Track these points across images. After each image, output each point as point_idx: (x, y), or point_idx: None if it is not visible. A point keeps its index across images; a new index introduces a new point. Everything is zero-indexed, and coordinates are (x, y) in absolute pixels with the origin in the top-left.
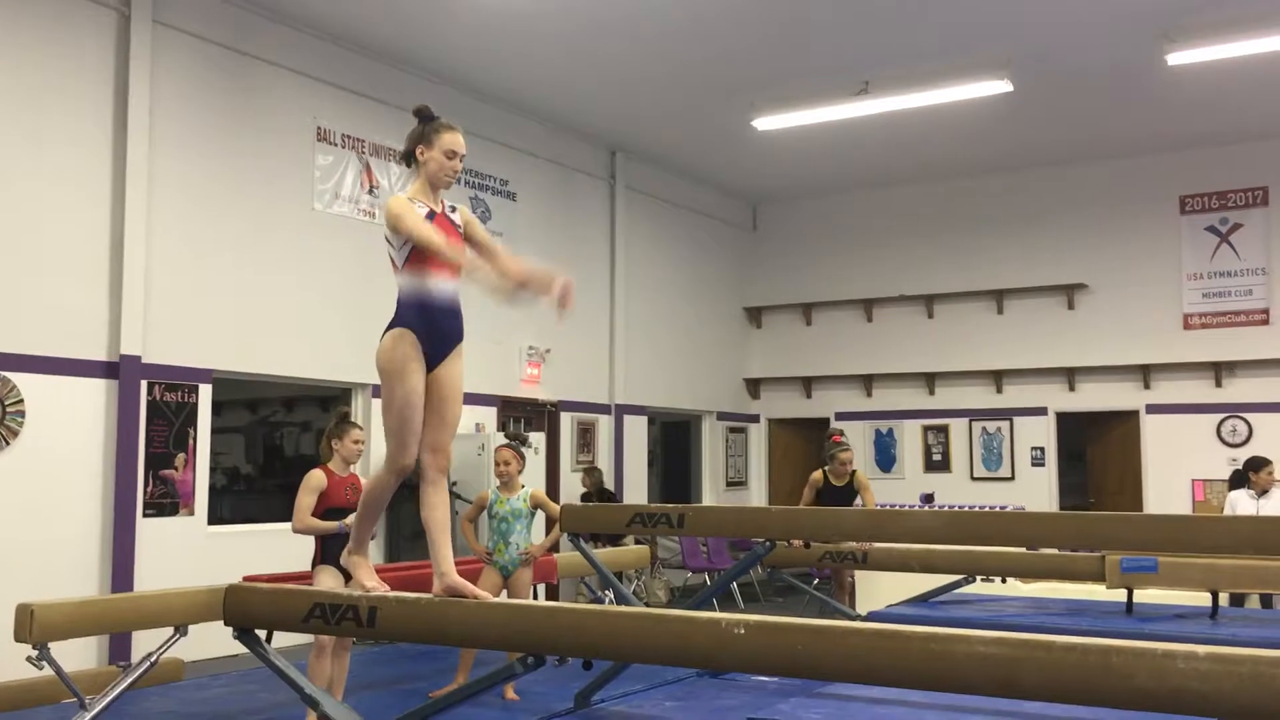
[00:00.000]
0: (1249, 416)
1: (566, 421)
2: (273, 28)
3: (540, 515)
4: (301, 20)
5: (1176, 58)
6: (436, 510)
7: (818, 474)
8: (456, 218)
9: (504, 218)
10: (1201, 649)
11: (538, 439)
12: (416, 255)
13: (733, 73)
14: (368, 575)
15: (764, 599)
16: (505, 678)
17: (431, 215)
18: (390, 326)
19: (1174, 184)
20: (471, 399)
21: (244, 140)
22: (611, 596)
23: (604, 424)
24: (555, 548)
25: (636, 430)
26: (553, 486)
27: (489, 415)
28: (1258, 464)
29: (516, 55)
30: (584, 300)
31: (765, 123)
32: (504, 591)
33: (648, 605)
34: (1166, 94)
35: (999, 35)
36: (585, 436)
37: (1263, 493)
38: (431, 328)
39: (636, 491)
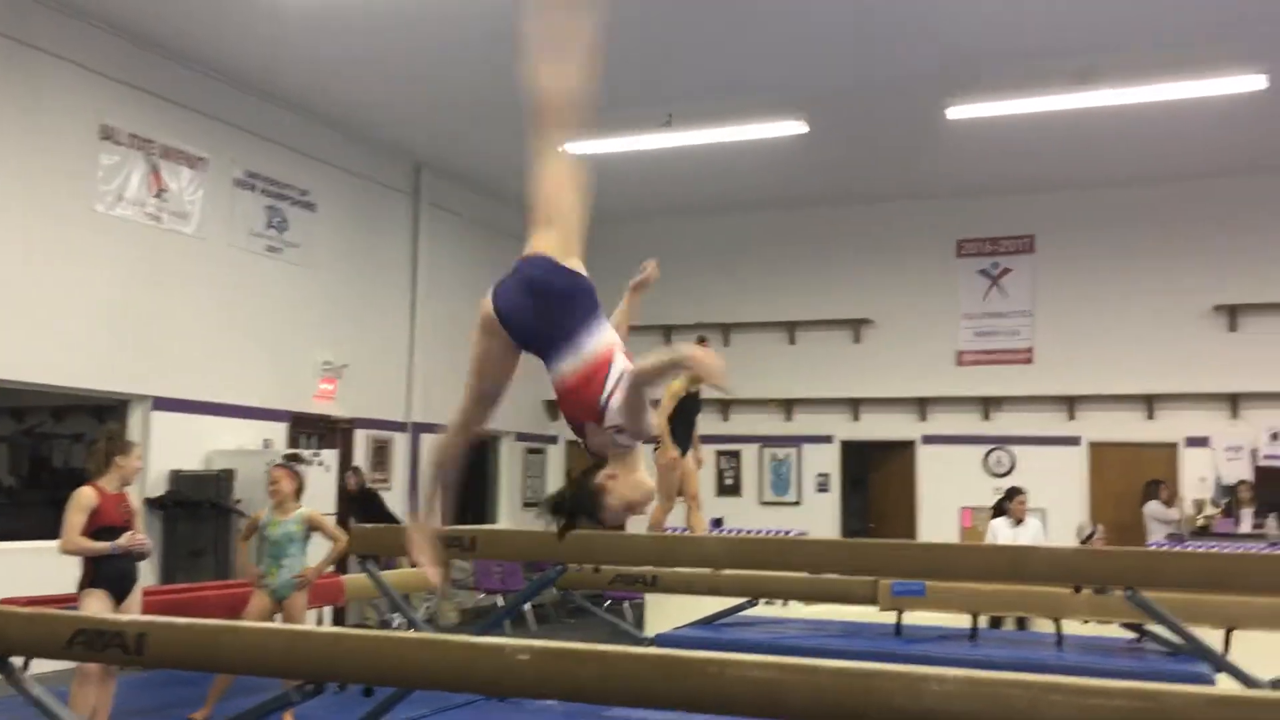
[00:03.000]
0: (1013, 448)
1: (361, 439)
2: (56, 18)
3: (325, 537)
4: (88, 12)
5: (955, 112)
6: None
7: (678, 383)
8: None
9: (302, 229)
10: (952, 672)
11: (330, 457)
12: None
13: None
14: (422, 550)
15: (556, 620)
16: (280, 706)
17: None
18: None
19: (952, 229)
20: (260, 414)
21: (19, 134)
22: (400, 619)
23: (400, 442)
24: (342, 568)
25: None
26: (346, 507)
27: (279, 431)
28: (1013, 494)
29: (319, 64)
30: (382, 316)
31: (570, 147)
32: (278, 616)
33: (438, 627)
34: (947, 145)
35: (797, 79)
36: (380, 455)
37: (1019, 521)
38: None
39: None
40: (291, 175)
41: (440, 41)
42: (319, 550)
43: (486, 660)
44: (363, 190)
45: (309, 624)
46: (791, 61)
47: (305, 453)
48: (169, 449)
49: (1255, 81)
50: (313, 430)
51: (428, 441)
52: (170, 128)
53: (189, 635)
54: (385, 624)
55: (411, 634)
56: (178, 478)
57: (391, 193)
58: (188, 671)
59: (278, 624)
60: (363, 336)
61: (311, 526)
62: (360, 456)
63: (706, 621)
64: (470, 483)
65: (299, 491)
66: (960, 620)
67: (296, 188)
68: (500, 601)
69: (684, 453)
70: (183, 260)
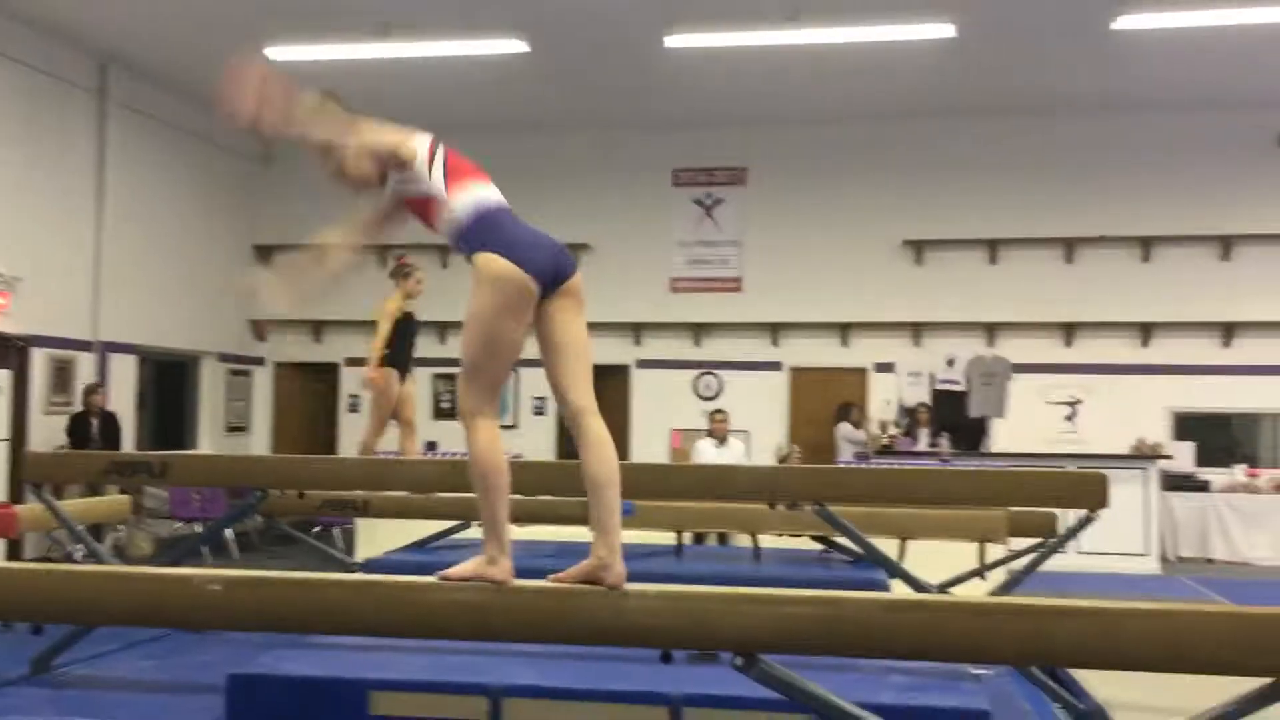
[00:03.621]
0: (720, 373)
1: (40, 359)
2: None
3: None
4: None
5: (673, 41)
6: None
7: (393, 303)
8: None
9: None
10: (652, 587)
11: (2, 378)
12: (453, 164)
13: None
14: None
15: (262, 548)
16: None
17: None
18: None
19: (669, 158)
20: None
21: None
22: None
23: (85, 362)
24: (16, 497)
25: (125, 370)
26: (20, 433)
27: None
28: (714, 415)
29: None
30: (65, 226)
31: (280, 53)
32: None
33: (128, 559)
34: (666, 75)
35: None
36: (62, 376)
37: (722, 441)
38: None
39: (124, 437)
40: None
41: None
42: None
43: (175, 592)
44: (40, 86)
45: None
46: None
47: None
48: None
49: (945, 30)
50: None
51: (118, 362)
52: None
53: None
54: (68, 557)
55: (90, 567)
56: None
57: (75, 90)
58: None
59: None
60: (41, 246)
61: None
62: (38, 377)
63: (419, 545)
64: (168, 406)
65: None
66: (668, 538)
67: None
68: (200, 529)
69: (404, 377)
70: None
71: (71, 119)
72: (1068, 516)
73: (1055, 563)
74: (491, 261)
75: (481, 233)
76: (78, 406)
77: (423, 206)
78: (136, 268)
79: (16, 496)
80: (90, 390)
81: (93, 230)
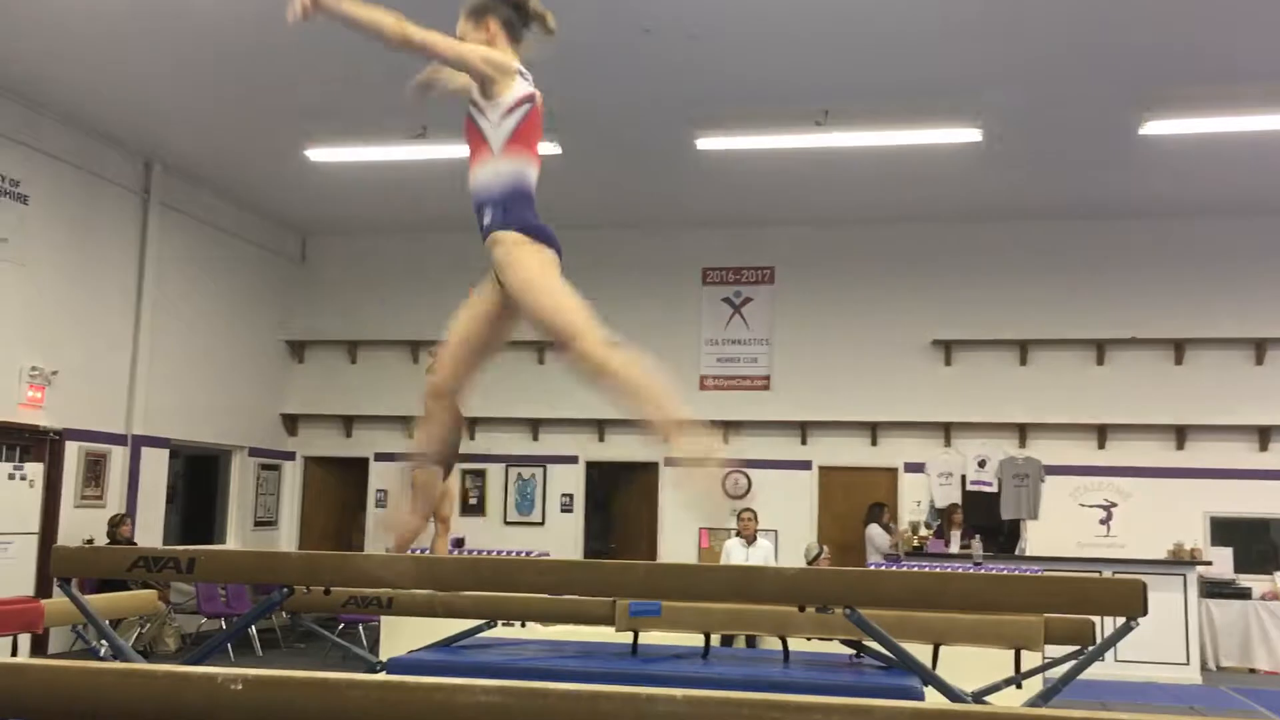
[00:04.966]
0: (749, 471)
1: (72, 452)
2: None
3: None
4: None
5: (704, 143)
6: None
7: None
8: None
9: (12, 222)
10: (679, 693)
11: (35, 471)
12: (527, 129)
13: (286, 99)
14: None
15: (285, 645)
16: None
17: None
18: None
19: (698, 257)
20: None
21: None
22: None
23: (118, 455)
24: (45, 591)
25: (156, 464)
26: (51, 525)
27: None
28: (742, 515)
29: (38, 46)
30: (103, 320)
31: (319, 154)
32: None
33: (154, 655)
34: (696, 175)
35: (551, 97)
36: (95, 469)
37: (750, 540)
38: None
39: (152, 531)
40: (1, 163)
41: (174, 35)
42: None
43: (196, 691)
44: (84, 184)
45: None
46: (544, 78)
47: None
48: None
49: (971, 134)
50: (14, 441)
51: (149, 456)
52: None
53: None
54: (92, 652)
55: (111, 664)
56: None
57: (118, 189)
58: None
59: None
60: (79, 341)
61: None
62: (70, 472)
63: (444, 644)
64: (197, 499)
65: None
66: (694, 639)
67: (7, 178)
68: (225, 625)
69: (447, 472)
70: None
71: (114, 216)
72: (1105, 623)
73: (1093, 671)
74: (529, 242)
75: (513, 208)
76: (106, 503)
77: (473, 142)
78: (171, 362)
79: (45, 590)
80: (117, 522)
81: (130, 325)
